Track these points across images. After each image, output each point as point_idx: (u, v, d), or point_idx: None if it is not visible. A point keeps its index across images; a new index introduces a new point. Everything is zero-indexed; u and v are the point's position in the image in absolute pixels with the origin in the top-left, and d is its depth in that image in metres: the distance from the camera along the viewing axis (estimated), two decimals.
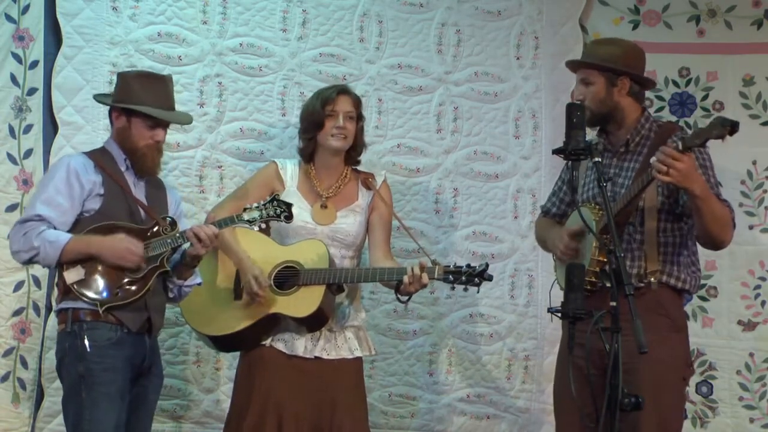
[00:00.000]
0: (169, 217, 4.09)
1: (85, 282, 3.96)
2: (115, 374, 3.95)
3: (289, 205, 4.12)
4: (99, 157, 4.12)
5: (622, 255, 3.52)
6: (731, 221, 4.04)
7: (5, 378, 4.72)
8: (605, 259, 3.95)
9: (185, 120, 4.38)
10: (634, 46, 4.31)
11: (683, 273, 4.12)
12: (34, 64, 4.83)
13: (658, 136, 4.15)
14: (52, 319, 4.76)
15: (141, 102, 4.09)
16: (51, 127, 4.87)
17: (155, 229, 4.04)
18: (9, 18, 4.76)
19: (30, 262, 4.05)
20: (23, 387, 4.76)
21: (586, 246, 4.09)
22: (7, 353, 4.72)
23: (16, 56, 4.78)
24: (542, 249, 4.65)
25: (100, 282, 3.97)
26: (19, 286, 4.75)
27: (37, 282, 4.78)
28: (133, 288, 3.98)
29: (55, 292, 4.73)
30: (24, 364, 4.76)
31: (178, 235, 4.01)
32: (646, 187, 3.96)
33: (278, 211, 4.09)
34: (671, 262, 4.11)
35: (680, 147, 3.80)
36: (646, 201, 4.07)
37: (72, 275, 3.97)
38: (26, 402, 4.76)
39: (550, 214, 4.51)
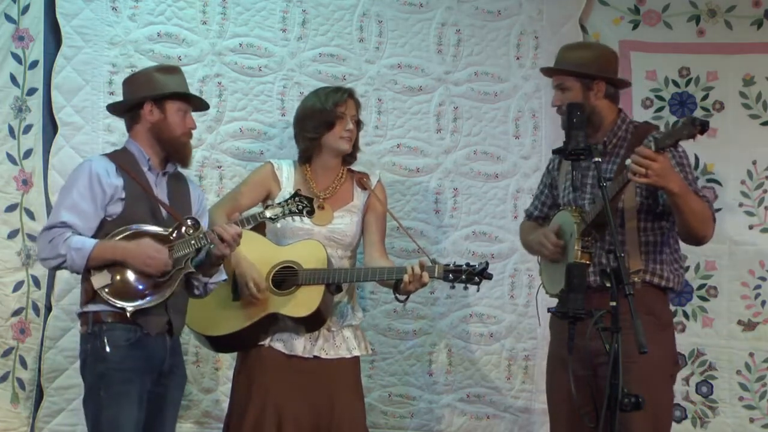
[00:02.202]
0: (192, 217, 4.08)
1: (112, 287, 3.95)
2: (133, 374, 3.96)
3: (310, 200, 4.12)
4: (120, 158, 4.11)
5: (623, 255, 3.55)
6: (711, 216, 4.07)
7: (4, 378, 4.71)
8: (588, 261, 3.98)
9: (207, 106, 4.41)
10: (605, 48, 4.37)
11: (666, 271, 4.15)
12: (33, 64, 4.83)
13: (635, 137, 4.17)
14: (52, 319, 4.77)
15: (173, 88, 4.10)
16: (51, 127, 4.86)
17: (179, 231, 4.03)
18: (9, 18, 4.75)
19: (58, 268, 4.09)
20: (22, 387, 4.75)
21: (569, 249, 4.10)
22: (7, 353, 4.71)
23: (15, 56, 4.78)
24: (528, 252, 4.65)
25: (126, 286, 3.96)
26: (18, 286, 4.75)
27: (36, 282, 4.78)
28: (159, 291, 3.98)
29: (54, 292, 4.77)
30: (23, 364, 4.76)
31: (201, 236, 4.00)
32: (623, 188, 3.98)
33: (300, 206, 4.10)
34: (654, 261, 4.14)
35: (653, 147, 3.82)
36: (626, 202, 4.10)
37: (99, 280, 3.96)
38: (25, 402, 4.76)
39: (533, 218, 4.53)
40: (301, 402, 4.27)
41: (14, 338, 4.74)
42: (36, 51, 4.83)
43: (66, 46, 4.87)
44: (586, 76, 4.16)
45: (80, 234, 3.96)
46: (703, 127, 3.74)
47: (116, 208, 4.02)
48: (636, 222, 4.12)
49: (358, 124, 4.49)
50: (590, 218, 4.02)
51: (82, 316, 4.04)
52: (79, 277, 4.06)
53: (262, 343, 4.30)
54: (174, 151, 4.14)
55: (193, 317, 4.31)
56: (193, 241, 3.99)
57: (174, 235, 4.02)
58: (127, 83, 4.23)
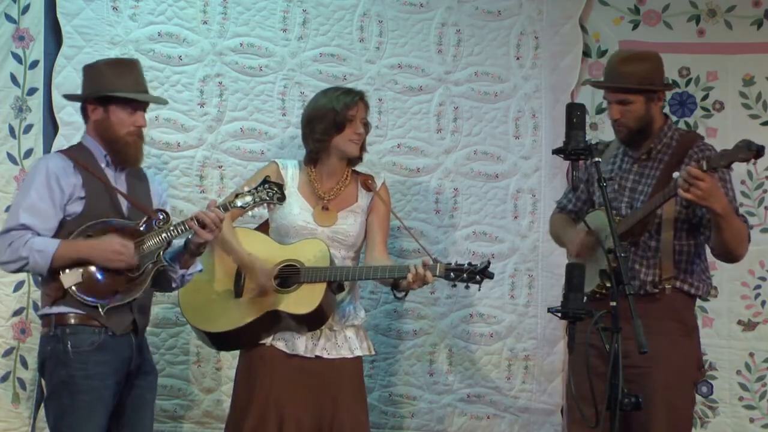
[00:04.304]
0: (162, 210, 4.02)
1: (83, 285, 3.88)
2: (96, 381, 3.89)
3: (280, 186, 4.04)
4: (77, 155, 4.01)
5: (623, 255, 3.55)
6: (748, 236, 4.13)
7: (5, 378, 4.72)
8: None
9: (162, 101, 4.34)
10: (657, 56, 4.31)
11: (696, 280, 4.20)
12: (34, 64, 4.83)
13: (680, 146, 4.19)
14: None
15: (116, 88, 3.99)
16: (51, 127, 4.87)
17: (149, 224, 3.97)
18: (9, 18, 4.76)
19: (20, 271, 4.00)
20: (23, 387, 4.75)
21: (600, 252, 4.08)
22: (7, 353, 4.72)
23: (16, 56, 4.78)
24: (557, 244, 4.63)
25: (98, 284, 3.89)
26: (19, 286, 4.75)
27: (37, 282, 4.77)
28: (133, 288, 3.92)
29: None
30: (24, 364, 4.76)
31: (172, 228, 3.95)
32: (668, 199, 4.00)
33: (270, 193, 4.02)
34: (685, 270, 4.17)
35: (705, 167, 3.85)
36: (664, 210, 4.12)
37: (69, 279, 3.88)
38: (26, 402, 4.76)
39: (566, 211, 4.53)
40: (302, 402, 4.26)
41: (15, 338, 4.75)
42: (36, 51, 4.83)
43: (66, 45, 4.87)
44: (650, 91, 4.18)
45: (39, 235, 3.88)
46: (758, 152, 3.81)
47: (76, 207, 3.93)
48: (672, 231, 4.14)
49: (367, 126, 4.47)
50: (631, 223, 4.04)
51: (44, 318, 3.96)
52: None
53: (263, 342, 4.30)
54: (117, 151, 4.02)
55: (195, 314, 4.31)
56: (164, 234, 3.93)
57: (143, 228, 3.96)
58: (82, 75, 4.12)
